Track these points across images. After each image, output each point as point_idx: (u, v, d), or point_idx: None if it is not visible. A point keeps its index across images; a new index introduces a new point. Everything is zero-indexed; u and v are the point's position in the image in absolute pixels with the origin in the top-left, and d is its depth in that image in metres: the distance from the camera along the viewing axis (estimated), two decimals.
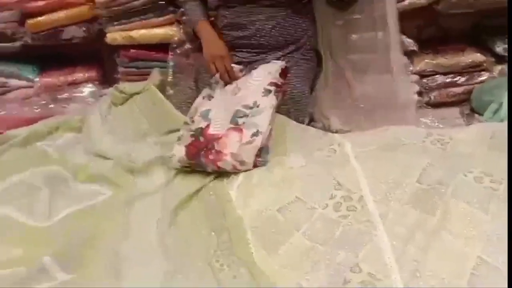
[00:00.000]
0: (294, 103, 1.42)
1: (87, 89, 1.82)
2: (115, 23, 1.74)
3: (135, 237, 1.00)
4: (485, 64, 1.71)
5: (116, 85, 1.65)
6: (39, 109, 1.76)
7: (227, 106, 1.29)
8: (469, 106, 1.65)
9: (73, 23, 1.77)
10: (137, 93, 1.56)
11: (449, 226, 0.82)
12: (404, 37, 1.72)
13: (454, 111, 1.66)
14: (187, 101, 1.46)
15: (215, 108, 1.31)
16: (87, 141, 1.48)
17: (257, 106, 1.26)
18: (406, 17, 1.73)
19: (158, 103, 1.50)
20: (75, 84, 1.84)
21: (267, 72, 1.34)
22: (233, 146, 1.17)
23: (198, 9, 1.45)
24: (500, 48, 1.72)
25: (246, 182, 1.11)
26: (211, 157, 1.16)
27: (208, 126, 1.25)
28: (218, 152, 1.16)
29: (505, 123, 1.26)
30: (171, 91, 1.57)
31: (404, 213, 0.87)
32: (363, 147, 1.13)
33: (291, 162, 1.14)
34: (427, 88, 1.74)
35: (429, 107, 1.70)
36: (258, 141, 1.17)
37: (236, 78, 1.38)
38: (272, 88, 1.30)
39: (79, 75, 1.85)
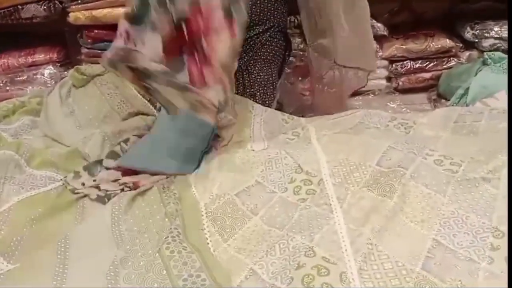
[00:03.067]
0: (260, 87, 1.38)
1: (47, 71, 1.74)
2: (78, 1, 1.67)
3: (88, 223, 0.96)
4: (453, 50, 1.72)
5: (77, 66, 1.58)
6: None
7: None
8: (437, 91, 1.66)
9: (33, 1, 1.69)
10: (99, 75, 1.50)
11: (406, 208, 0.81)
12: (374, 21, 1.71)
13: (422, 96, 1.67)
14: None
15: None
16: (44, 124, 1.42)
17: None
18: (378, 0, 1.71)
19: (120, 85, 1.44)
20: (35, 65, 1.76)
21: None
22: None
23: None
24: (469, 34, 1.73)
25: (207, 166, 1.07)
26: None
27: None
28: None
29: (469, 108, 1.26)
30: None
31: (362, 196, 0.85)
32: (327, 130, 1.11)
33: (253, 146, 1.11)
34: (396, 73, 1.74)
35: (397, 92, 1.70)
36: None
37: None
38: None
39: (39, 56, 1.77)
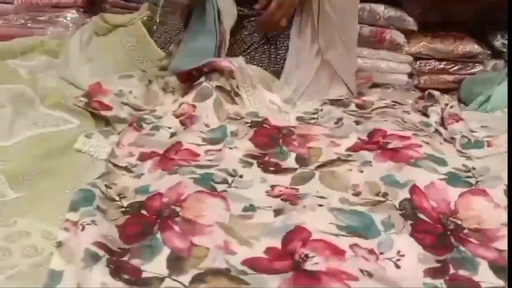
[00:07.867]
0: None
1: (70, 15, 1.73)
2: None
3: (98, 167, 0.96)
4: (480, 56, 1.70)
5: (101, 13, 1.56)
6: (16, 28, 1.67)
7: None
8: (457, 95, 1.64)
9: None
10: (122, 26, 1.49)
11: None
12: (405, 15, 1.69)
13: None
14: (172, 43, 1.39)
15: None
16: (62, 66, 1.41)
17: None
18: None
19: (142, 40, 1.43)
20: (58, 7, 1.75)
21: None
22: None
23: None
24: (499, 42, 1.70)
25: None
26: None
27: None
28: None
29: (489, 114, 1.25)
30: (158, 29, 1.50)
31: None
32: None
33: None
34: (419, 71, 1.73)
35: (417, 90, 1.69)
36: None
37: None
38: None
39: None
